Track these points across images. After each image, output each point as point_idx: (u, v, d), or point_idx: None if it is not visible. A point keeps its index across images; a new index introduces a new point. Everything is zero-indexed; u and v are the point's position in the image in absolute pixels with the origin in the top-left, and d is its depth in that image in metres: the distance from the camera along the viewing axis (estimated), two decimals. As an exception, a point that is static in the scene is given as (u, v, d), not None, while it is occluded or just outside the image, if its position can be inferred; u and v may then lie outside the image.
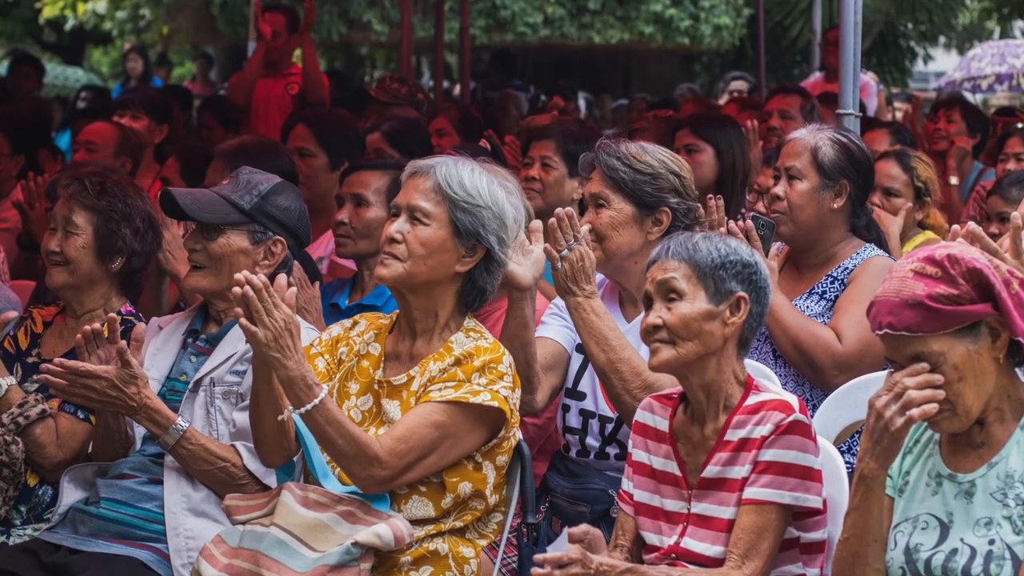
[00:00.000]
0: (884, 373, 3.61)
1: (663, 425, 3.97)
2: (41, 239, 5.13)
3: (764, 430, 3.78)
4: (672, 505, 3.91)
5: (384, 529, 3.97)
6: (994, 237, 4.34)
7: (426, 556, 4.07)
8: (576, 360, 4.73)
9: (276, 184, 4.64)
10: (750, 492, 3.77)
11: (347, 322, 4.36)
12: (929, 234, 6.38)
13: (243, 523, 4.08)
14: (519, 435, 4.24)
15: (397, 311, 4.29)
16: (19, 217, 6.64)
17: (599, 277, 4.66)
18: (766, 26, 16.07)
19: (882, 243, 5.23)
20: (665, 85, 21.80)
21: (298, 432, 4.06)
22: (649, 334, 3.89)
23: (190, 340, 4.67)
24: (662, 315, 3.87)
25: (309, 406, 3.90)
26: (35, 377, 4.74)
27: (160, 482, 4.48)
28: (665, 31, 21.23)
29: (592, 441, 4.70)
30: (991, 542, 3.42)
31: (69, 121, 12.14)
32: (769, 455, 3.77)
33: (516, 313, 4.43)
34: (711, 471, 3.84)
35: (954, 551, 3.45)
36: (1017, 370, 3.52)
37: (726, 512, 3.81)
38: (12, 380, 4.71)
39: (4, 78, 13.84)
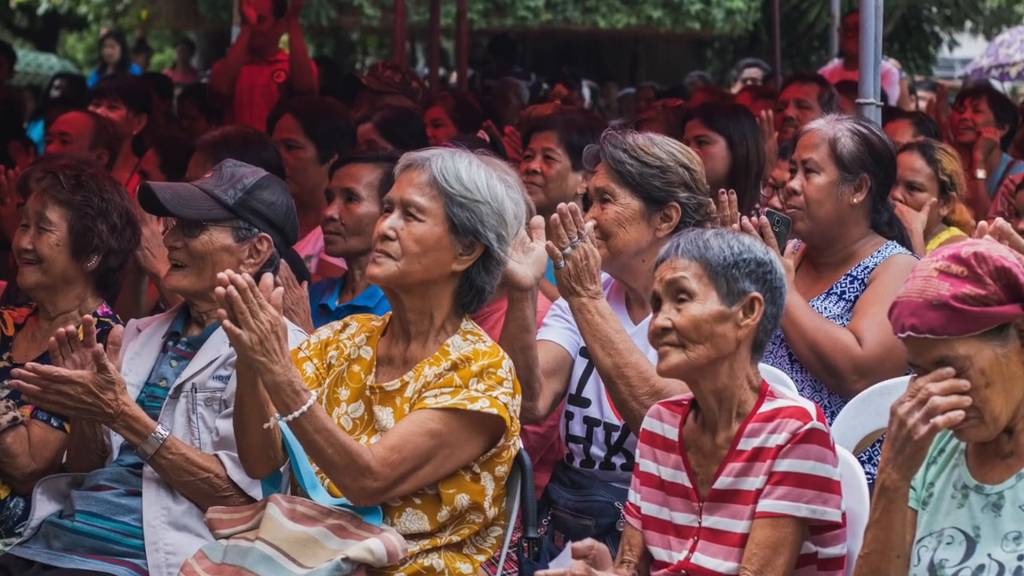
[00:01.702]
0: (907, 378, 3.62)
1: (672, 433, 3.98)
2: (12, 236, 5.13)
3: (779, 439, 3.78)
4: (682, 518, 3.91)
5: (376, 544, 3.97)
6: (1023, 234, 4.34)
7: (421, 572, 4.07)
8: (580, 364, 4.74)
9: (262, 178, 4.64)
10: (765, 505, 3.77)
11: (337, 324, 4.36)
12: (955, 231, 6.39)
13: (226, 537, 4.08)
14: (519, 444, 4.24)
15: (390, 312, 4.29)
16: (-11, 213, 6.65)
17: (604, 276, 4.66)
18: (782, 10, 16.08)
19: (905, 240, 5.23)
20: (674, 72, 21.80)
21: (285, 441, 4.06)
22: (657, 337, 3.90)
23: (170, 343, 4.67)
24: (671, 317, 3.87)
25: (296, 413, 3.90)
26: (6, 383, 4.74)
27: (138, 494, 4.48)
28: (674, 15, 21.23)
29: (597, 450, 4.70)
30: (1020, 558, 3.42)
31: (42, 111, 12.16)
32: (785, 465, 3.77)
33: (516, 314, 4.44)
34: (723, 482, 3.85)
35: (981, 567, 3.45)
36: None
37: (739, 526, 3.81)
38: (-19, 386, 4.72)
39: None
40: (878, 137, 5.14)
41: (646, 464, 4.01)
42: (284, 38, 10.30)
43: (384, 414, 4.14)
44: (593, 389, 4.70)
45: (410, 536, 4.07)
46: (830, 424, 4.11)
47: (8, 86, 13.05)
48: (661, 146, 4.70)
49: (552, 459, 5.10)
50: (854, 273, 5.08)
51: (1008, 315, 3.41)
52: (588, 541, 3.82)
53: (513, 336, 4.44)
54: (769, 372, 4.39)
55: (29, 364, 4.36)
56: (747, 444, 3.83)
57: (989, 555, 3.46)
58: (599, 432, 4.69)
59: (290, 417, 3.91)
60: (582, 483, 4.71)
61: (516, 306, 4.43)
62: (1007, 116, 8.94)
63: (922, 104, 13.00)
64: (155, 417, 4.46)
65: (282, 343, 3.89)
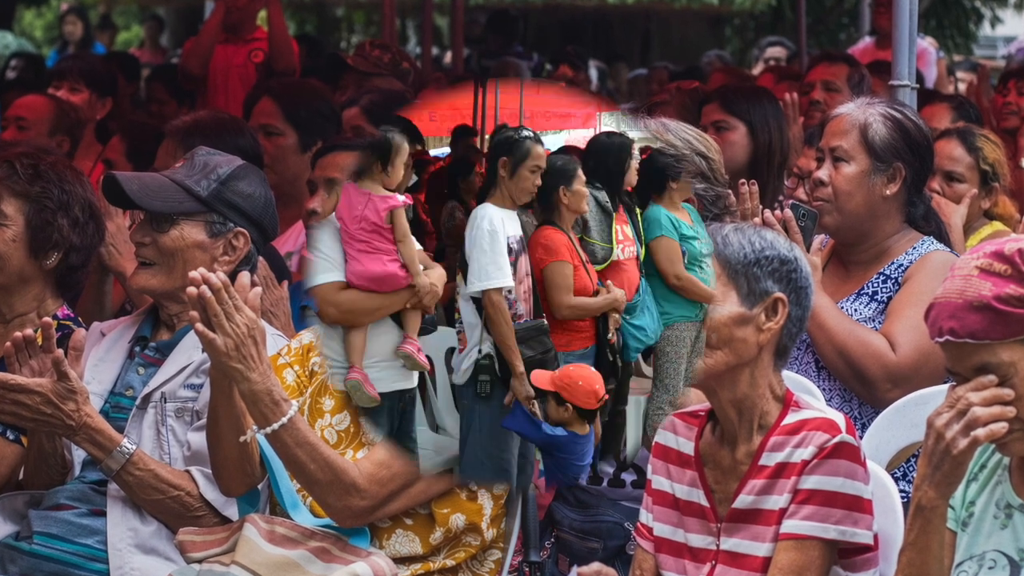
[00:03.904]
0: (945, 387, 3.62)
1: (688, 448, 3.98)
2: (-36, 231, 5.13)
3: (805, 453, 3.78)
4: (698, 540, 3.91)
5: (363, 568, 3.97)
6: (1073, 228, 4.34)
7: (412, 600, 4.09)
8: (587, 372, 4.73)
9: (237, 167, 4.64)
10: (789, 525, 3.77)
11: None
12: (997, 225, 6.39)
13: (199, 561, 4.08)
14: (520, 459, 4.24)
15: (378, 315, 4.29)
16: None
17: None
18: (807, -17, 16.10)
19: (942, 236, 5.23)
20: (690, 52, 21.81)
21: (263, 456, 4.07)
22: (671, 342, 3.90)
23: (137, 349, 4.67)
24: (687, 320, 3.88)
25: (276, 425, 3.90)
26: (-43, 392, 4.75)
27: (102, 514, 4.48)
28: (690, -12, 21.28)
29: (605, 466, 4.70)
30: (1069, 584, 3.42)
31: (-4, 94, 12.14)
32: (811, 482, 3.77)
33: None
34: (744, 501, 3.85)
35: (1026, 594, 3.46)
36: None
37: (761, 548, 3.81)
38: (-70, 395, 4.71)
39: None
40: (913, 123, 5.14)
41: (659, 481, 4.01)
42: (262, 14, 10.30)
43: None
44: (601, 399, 4.70)
45: (400, 560, 4.08)
46: (861, 437, 4.11)
47: (-40, 67, 13.07)
48: (676, 132, 4.70)
49: (556, 476, 5.11)
50: (887, 272, 5.08)
51: (1056, 318, 3.41)
52: (595, 565, 3.83)
53: None
54: (794, 380, 4.39)
55: (-18, 372, 4.37)
56: (770, 459, 3.83)
57: (1035, 581, 3.46)
58: (607, 446, 4.69)
59: (269, 429, 3.91)
60: (589, 502, 4.71)
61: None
62: (1055, 100, 8.95)
63: (961, 87, 13.01)
64: (121, 429, 4.46)
65: (260, 348, 3.90)
